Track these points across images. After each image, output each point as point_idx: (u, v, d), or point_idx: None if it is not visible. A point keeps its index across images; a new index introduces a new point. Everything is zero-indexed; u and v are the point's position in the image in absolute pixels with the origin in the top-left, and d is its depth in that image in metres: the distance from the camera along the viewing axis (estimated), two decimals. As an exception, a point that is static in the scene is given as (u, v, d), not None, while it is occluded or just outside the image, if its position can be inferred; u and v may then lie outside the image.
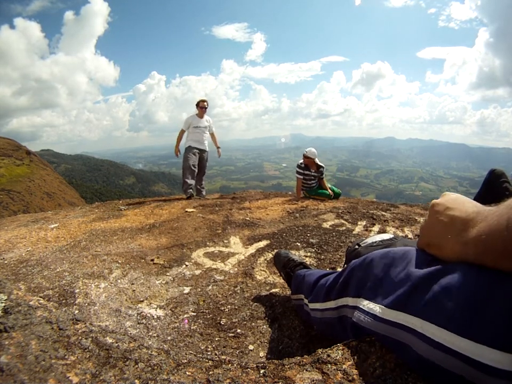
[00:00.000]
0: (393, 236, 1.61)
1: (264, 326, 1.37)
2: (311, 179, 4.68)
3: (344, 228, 2.77)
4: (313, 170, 4.64)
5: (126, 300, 1.59)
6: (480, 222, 0.51)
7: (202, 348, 1.21)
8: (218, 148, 5.17)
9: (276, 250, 1.91)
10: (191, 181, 4.65)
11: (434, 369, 0.50)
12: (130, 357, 1.00)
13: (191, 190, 4.66)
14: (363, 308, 0.70)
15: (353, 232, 2.62)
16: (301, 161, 4.69)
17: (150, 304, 1.57)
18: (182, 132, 4.72)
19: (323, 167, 4.70)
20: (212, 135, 5.07)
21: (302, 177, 4.64)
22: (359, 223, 2.92)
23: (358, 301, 0.75)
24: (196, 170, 4.79)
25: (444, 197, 0.64)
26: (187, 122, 4.71)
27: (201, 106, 4.74)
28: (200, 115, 4.78)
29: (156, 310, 1.51)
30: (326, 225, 2.85)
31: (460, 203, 0.59)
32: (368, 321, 0.66)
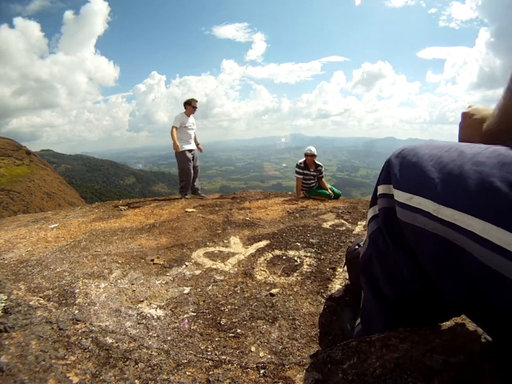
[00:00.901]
0: (393, 236, 1.61)
1: (264, 326, 1.37)
2: (310, 179, 4.69)
3: (344, 227, 2.77)
4: (312, 170, 4.66)
5: (126, 300, 1.59)
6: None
7: (202, 348, 1.21)
8: (198, 144, 5.14)
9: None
10: (188, 185, 4.83)
11: (497, 281, 0.44)
12: (130, 357, 1.00)
13: (185, 193, 4.82)
14: (406, 203, 0.64)
15: (353, 232, 2.62)
16: (300, 161, 4.71)
17: (150, 304, 1.57)
18: (175, 129, 4.62)
19: (321, 166, 4.74)
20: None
21: (301, 177, 4.65)
22: (359, 223, 2.92)
23: (389, 188, 0.73)
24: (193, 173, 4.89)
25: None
26: (179, 121, 4.65)
27: (194, 106, 4.75)
28: (188, 114, 4.77)
29: (156, 310, 1.51)
30: (326, 225, 2.85)
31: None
32: (419, 218, 0.60)
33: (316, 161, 4.67)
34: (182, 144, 4.71)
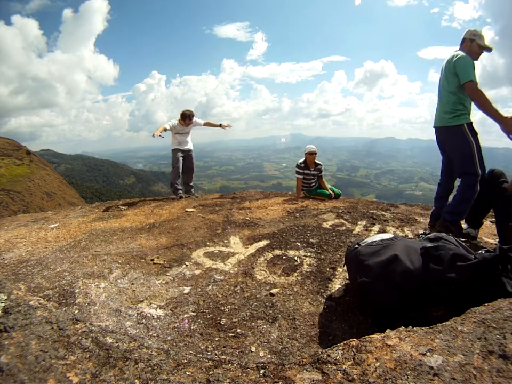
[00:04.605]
0: (393, 235, 1.61)
1: (264, 326, 1.37)
2: (310, 178, 4.69)
3: (344, 227, 2.77)
4: (312, 169, 4.66)
5: (126, 299, 1.59)
6: None
7: (202, 347, 1.21)
8: (220, 125, 5.29)
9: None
10: (179, 185, 4.94)
11: None
12: (130, 357, 1.00)
13: (180, 192, 4.89)
14: None
15: (353, 232, 2.62)
16: (300, 161, 4.71)
17: (150, 304, 1.57)
18: (164, 128, 4.71)
19: (321, 165, 4.76)
20: (206, 124, 5.25)
21: (301, 177, 4.65)
22: (359, 223, 2.92)
23: None
24: (181, 171, 5.01)
25: None
26: (172, 125, 4.82)
27: (184, 120, 4.80)
28: (183, 124, 4.90)
29: (156, 310, 1.51)
30: (326, 225, 2.85)
31: None
32: None
33: (316, 160, 4.68)
34: (173, 146, 4.91)
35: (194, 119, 4.98)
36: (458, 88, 2.38)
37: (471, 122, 2.40)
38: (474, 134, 2.38)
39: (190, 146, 5.04)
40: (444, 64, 2.56)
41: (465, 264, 1.28)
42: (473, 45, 2.40)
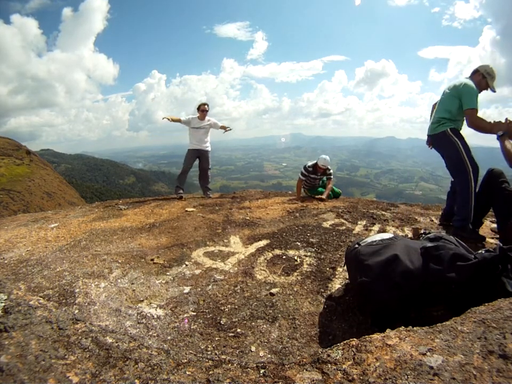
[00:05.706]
0: (393, 235, 1.61)
1: (264, 326, 1.37)
2: (315, 179, 4.67)
3: (344, 227, 2.77)
4: (319, 174, 4.60)
5: (126, 299, 1.59)
6: None
7: (202, 347, 1.21)
8: (225, 127, 5.30)
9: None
10: (181, 185, 5.02)
11: None
12: (130, 357, 1.00)
13: (181, 192, 4.92)
14: None
15: (353, 232, 2.62)
16: (310, 164, 4.59)
17: (150, 303, 1.57)
18: (179, 120, 4.95)
19: (329, 169, 4.64)
20: (222, 127, 5.30)
21: (304, 178, 4.62)
22: (359, 222, 2.92)
23: None
24: (186, 174, 5.11)
25: None
26: (188, 121, 4.96)
27: (202, 110, 4.95)
28: (201, 117, 4.98)
29: (155, 310, 1.51)
30: (326, 224, 2.84)
31: None
32: None
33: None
34: (189, 145, 4.99)
35: (213, 120, 5.04)
36: (457, 110, 2.56)
37: (456, 128, 2.56)
38: (460, 137, 2.54)
39: (206, 146, 5.07)
40: (450, 84, 2.73)
41: (465, 264, 1.28)
42: (482, 81, 2.58)
